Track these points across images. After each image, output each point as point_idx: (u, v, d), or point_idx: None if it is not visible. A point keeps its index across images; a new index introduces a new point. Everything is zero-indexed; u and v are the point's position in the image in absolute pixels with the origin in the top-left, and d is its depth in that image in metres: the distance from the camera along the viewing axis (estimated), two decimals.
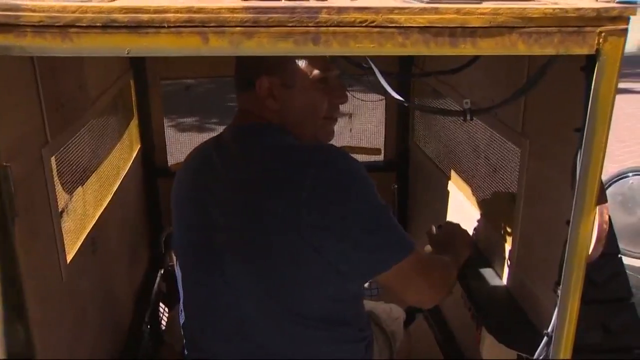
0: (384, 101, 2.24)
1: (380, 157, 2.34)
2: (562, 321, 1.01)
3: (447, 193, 1.89)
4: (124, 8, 0.79)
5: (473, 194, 1.70)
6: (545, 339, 1.06)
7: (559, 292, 1.01)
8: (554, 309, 1.03)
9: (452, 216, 1.83)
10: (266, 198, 1.13)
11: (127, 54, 0.81)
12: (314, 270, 1.14)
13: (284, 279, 1.15)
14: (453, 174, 1.86)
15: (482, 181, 1.67)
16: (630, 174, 3.43)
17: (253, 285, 1.17)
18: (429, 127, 2.11)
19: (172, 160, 2.30)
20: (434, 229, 1.61)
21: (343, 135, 2.41)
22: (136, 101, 2.12)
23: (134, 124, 2.12)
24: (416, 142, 2.24)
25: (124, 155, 1.99)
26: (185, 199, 1.33)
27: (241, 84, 1.25)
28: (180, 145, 3.36)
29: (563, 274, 0.99)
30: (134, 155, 2.09)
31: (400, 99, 1.21)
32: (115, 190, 1.79)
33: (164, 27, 0.80)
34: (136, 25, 0.79)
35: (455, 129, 1.85)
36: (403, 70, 2.07)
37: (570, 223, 0.95)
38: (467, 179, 1.76)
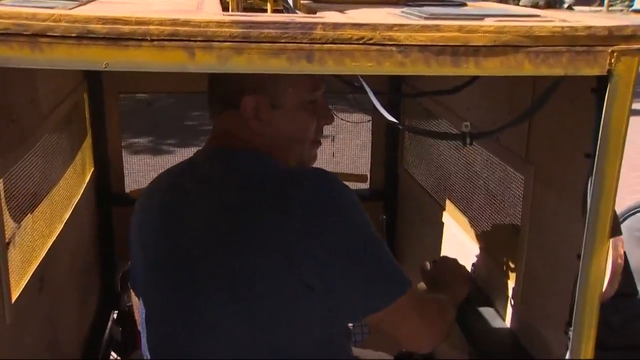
0: (370, 122, 2.31)
1: (366, 185, 2.39)
2: None
3: (441, 225, 1.94)
4: (102, 18, 0.83)
5: (471, 226, 1.76)
6: None
7: (570, 334, 1.06)
8: (566, 354, 1.08)
9: (447, 250, 1.88)
10: (251, 229, 1.16)
11: (105, 67, 0.85)
12: (302, 307, 1.17)
13: (268, 315, 1.18)
14: (448, 203, 1.92)
15: (481, 211, 1.73)
16: None
17: (232, 322, 1.19)
18: (421, 151, 2.17)
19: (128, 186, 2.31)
20: (427, 264, 1.66)
21: (324, 160, 2.46)
22: (90, 117, 2.14)
23: (87, 144, 2.14)
24: (406, 168, 2.30)
25: (75, 180, 2.00)
26: (151, 231, 1.35)
27: (220, 103, 1.29)
28: (132, 169, 3.37)
29: (574, 313, 1.04)
30: (87, 179, 2.10)
31: (394, 120, 1.27)
32: (66, 220, 1.79)
33: (146, 40, 0.84)
34: (116, 37, 0.83)
35: (451, 153, 1.92)
36: (392, 89, 2.14)
37: (582, 257, 1.01)
38: (465, 209, 1.82)
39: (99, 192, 2.20)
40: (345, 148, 2.60)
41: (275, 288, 1.16)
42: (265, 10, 1.25)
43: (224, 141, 1.28)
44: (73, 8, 0.97)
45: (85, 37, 0.83)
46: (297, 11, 1.18)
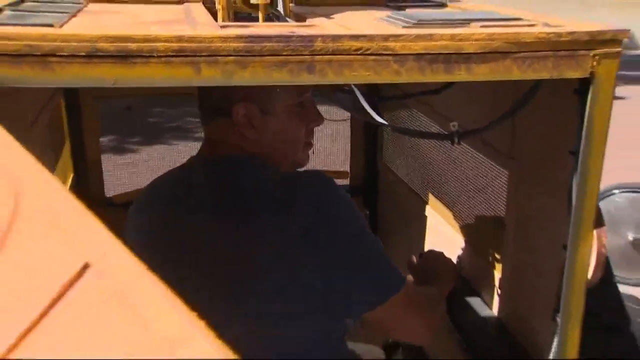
0: (349, 118, 2.37)
1: (346, 181, 2.46)
2: (564, 350, 1.15)
3: (424, 218, 2.02)
4: (110, 37, 0.88)
5: (455, 219, 1.84)
6: None
7: (558, 319, 1.15)
8: (553, 338, 1.17)
9: (432, 244, 1.95)
10: (252, 235, 1.22)
11: (114, 85, 0.89)
12: (302, 308, 1.24)
13: (268, 320, 1.24)
14: (431, 197, 2.00)
15: (465, 205, 1.81)
16: (616, 191, 3.65)
17: (237, 329, 1.25)
18: (401, 145, 2.25)
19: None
20: (414, 258, 1.74)
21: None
22: (68, 123, 2.16)
23: (66, 151, 2.16)
24: (386, 163, 2.37)
25: None
26: (148, 246, 1.36)
27: (211, 112, 1.34)
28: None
29: (562, 300, 1.13)
30: (68, 186, 2.12)
31: (385, 123, 1.35)
32: None
33: (153, 56, 0.89)
34: (124, 55, 0.88)
35: (432, 148, 2.00)
36: (371, 88, 2.20)
37: (568, 248, 1.10)
38: (448, 203, 1.90)
39: (79, 199, 2.21)
40: (323, 144, 2.66)
41: (275, 294, 1.22)
42: (251, 15, 1.30)
43: (218, 149, 1.33)
44: (65, 23, 1.01)
45: (94, 55, 0.87)
46: (287, 19, 1.23)
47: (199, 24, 1.09)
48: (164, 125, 6.79)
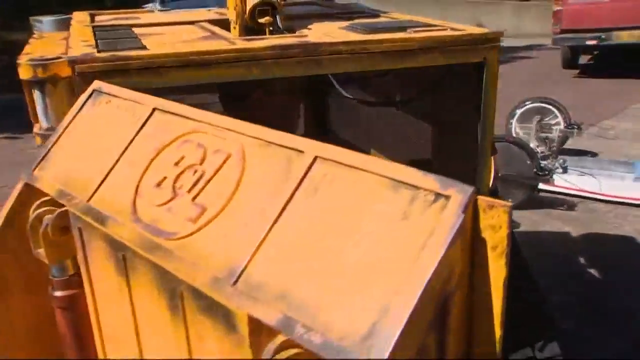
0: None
1: None
2: None
3: None
4: (194, 52, 1.19)
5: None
6: None
7: None
8: None
9: None
10: None
11: (197, 82, 1.20)
12: None
13: None
14: (372, 151, 2.37)
15: (399, 152, 2.17)
16: None
17: None
18: (347, 116, 2.60)
19: None
20: None
21: None
22: None
23: None
24: (332, 129, 2.72)
25: None
26: None
27: (233, 98, 1.65)
28: None
29: None
30: None
31: (350, 96, 1.70)
32: None
33: (221, 62, 1.20)
34: (204, 63, 1.19)
35: (370, 114, 2.35)
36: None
37: (477, 169, 1.50)
38: (385, 153, 2.27)
39: None
40: None
41: None
42: (254, 28, 1.59)
43: None
44: (144, 42, 1.28)
45: (186, 65, 1.18)
46: (284, 31, 1.55)
47: (231, 38, 1.39)
48: None
